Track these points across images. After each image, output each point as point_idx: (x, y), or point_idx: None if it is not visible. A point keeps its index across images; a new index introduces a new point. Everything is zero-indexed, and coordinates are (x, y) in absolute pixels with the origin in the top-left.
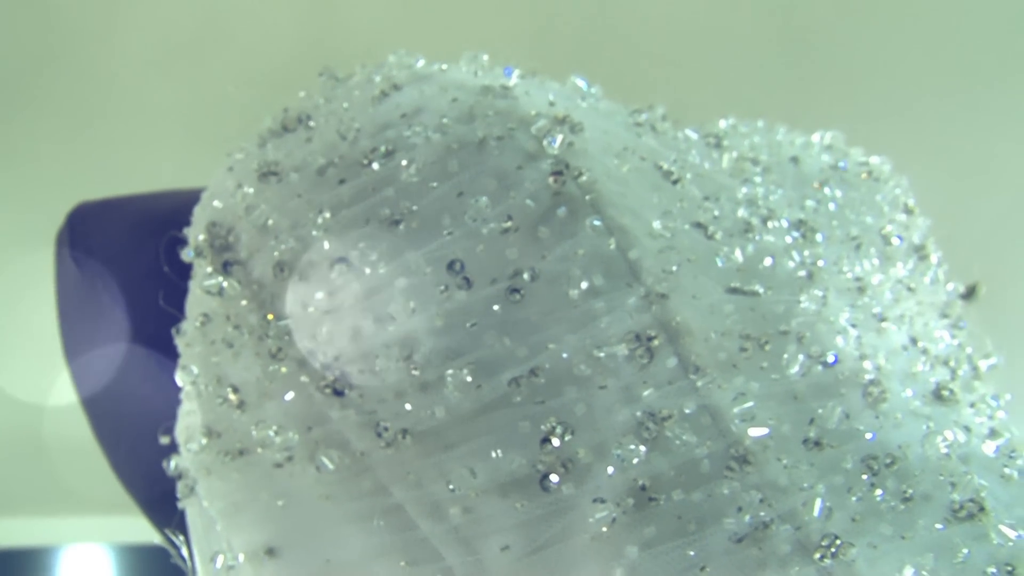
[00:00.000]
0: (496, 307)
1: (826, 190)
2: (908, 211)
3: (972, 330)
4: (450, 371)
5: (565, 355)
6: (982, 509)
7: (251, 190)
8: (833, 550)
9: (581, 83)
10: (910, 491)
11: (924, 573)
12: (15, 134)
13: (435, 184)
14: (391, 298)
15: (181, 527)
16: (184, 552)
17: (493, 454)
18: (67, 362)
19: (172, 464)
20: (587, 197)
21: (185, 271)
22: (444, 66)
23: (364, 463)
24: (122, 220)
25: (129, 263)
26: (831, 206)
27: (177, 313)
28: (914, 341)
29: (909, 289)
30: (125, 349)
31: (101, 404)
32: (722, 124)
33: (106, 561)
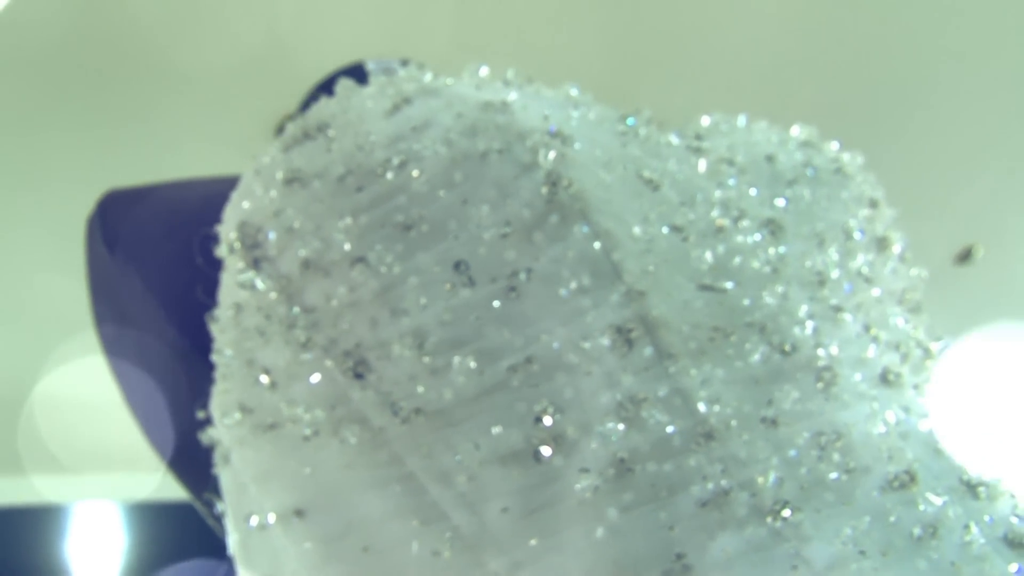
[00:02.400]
0: (496, 303)
1: (797, 189)
2: (873, 205)
3: (931, 310)
4: (456, 358)
5: (556, 345)
6: (913, 479)
7: (278, 194)
8: (784, 514)
9: (574, 91)
10: (852, 464)
11: (860, 533)
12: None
13: (442, 193)
14: (405, 294)
15: (207, 491)
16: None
17: (494, 430)
18: (99, 340)
19: (207, 435)
20: (576, 205)
21: (206, 254)
22: (449, 80)
23: (382, 437)
24: (149, 207)
25: (155, 247)
26: (800, 204)
27: (204, 298)
28: (867, 328)
29: (867, 280)
30: (154, 330)
31: (133, 381)
32: (705, 122)
33: (116, 517)
